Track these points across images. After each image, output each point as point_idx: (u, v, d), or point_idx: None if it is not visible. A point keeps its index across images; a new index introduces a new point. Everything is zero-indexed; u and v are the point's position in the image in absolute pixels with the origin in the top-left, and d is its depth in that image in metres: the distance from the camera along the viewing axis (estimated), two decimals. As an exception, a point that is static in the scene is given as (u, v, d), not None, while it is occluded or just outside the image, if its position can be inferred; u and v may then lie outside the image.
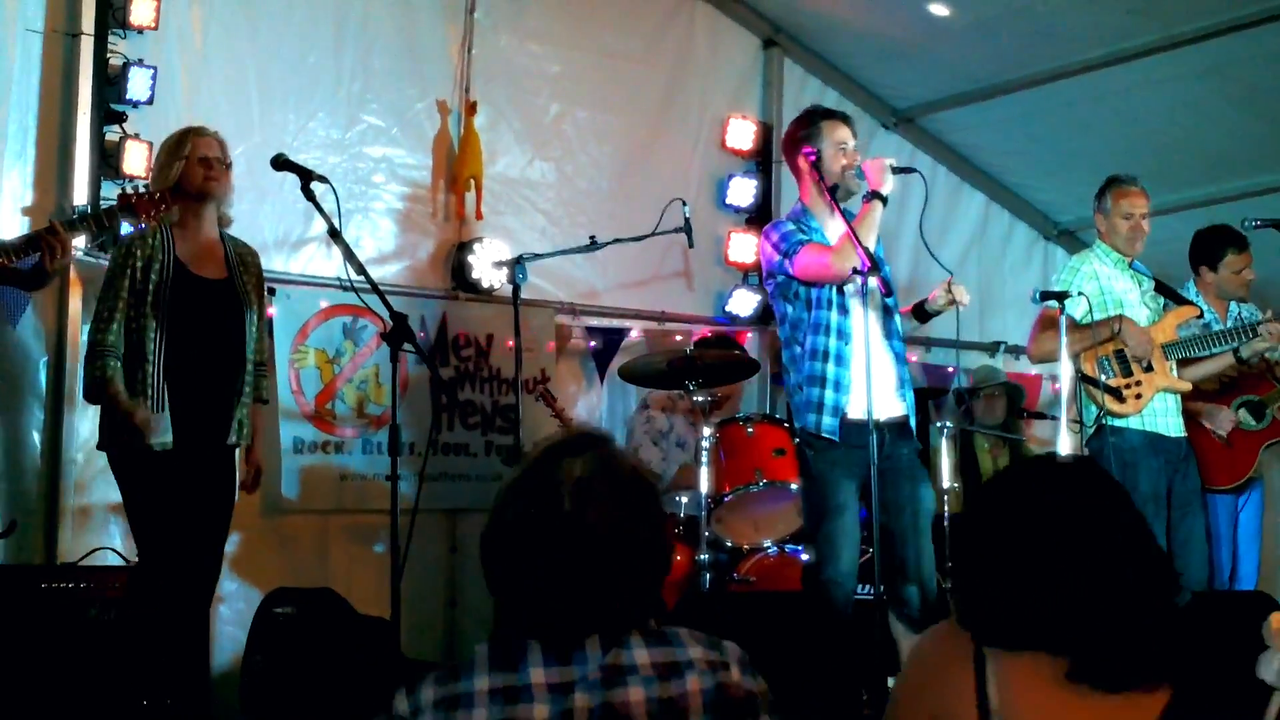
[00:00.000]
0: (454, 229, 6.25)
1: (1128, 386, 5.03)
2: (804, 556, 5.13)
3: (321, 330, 5.79)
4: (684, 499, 5.63)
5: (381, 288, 4.16)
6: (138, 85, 5.20)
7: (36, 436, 5.08)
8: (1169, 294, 5.39)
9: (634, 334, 6.69)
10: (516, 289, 5.37)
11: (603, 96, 6.77)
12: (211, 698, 4.74)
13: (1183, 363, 5.24)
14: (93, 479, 5.04)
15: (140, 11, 5.24)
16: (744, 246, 7.02)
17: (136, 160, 5.16)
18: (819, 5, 7.09)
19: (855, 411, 4.27)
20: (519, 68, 6.51)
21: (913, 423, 4.49)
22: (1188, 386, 5.18)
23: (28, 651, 4.25)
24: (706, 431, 5.41)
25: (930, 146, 7.78)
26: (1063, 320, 4.77)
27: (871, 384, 4.13)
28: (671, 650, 1.82)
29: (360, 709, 4.16)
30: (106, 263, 4.57)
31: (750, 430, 5.62)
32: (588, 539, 1.80)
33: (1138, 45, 6.47)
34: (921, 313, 4.60)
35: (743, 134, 7.18)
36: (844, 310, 4.35)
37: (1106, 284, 5.13)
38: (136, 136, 5.21)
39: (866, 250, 4.19)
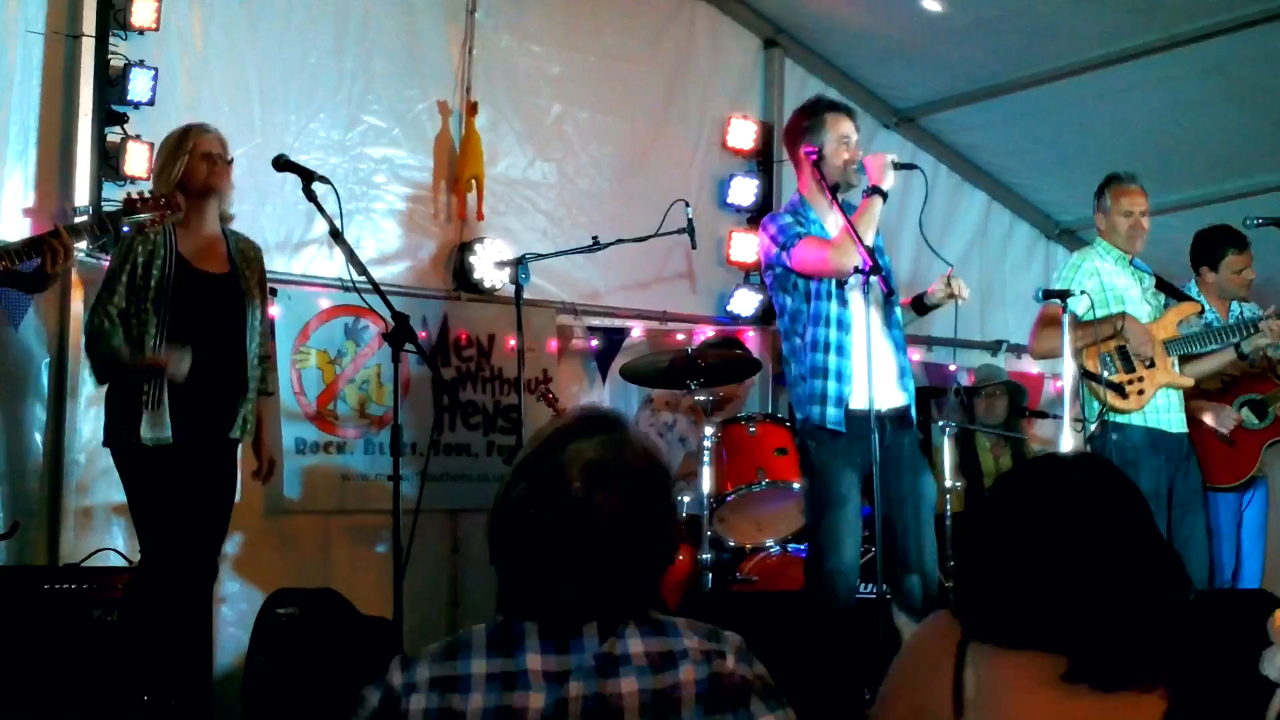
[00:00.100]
0: (455, 229, 6.25)
1: (1130, 383, 5.03)
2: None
3: (323, 331, 5.80)
4: (686, 498, 5.63)
5: (383, 288, 4.16)
6: (139, 86, 5.21)
7: (38, 437, 5.09)
8: (1170, 291, 5.39)
9: (636, 334, 6.69)
10: (518, 289, 5.38)
11: (604, 97, 6.78)
12: (214, 698, 4.73)
13: (1184, 359, 5.24)
14: (95, 480, 5.04)
15: (141, 13, 5.25)
16: (745, 246, 7.02)
17: (138, 161, 5.17)
18: (819, 5, 7.09)
19: (857, 402, 4.26)
20: (520, 68, 6.51)
21: (913, 413, 4.49)
22: (1190, 382, 5.18)
23: (30, 653, 4.25)
24: (708, 431, 5.41)
25: (931, 146, 7.79)
26: (1065, 318, 4.77)
27: (872, 374, 4.13)
28: (667, 640, 1.80)
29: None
30: (107, 263, 4.56)
31: (752, 430, 5.62)
32: (595, 522, 1.77)
33: (1138, 45, 6.48)
34: (921, 306, 4.59)
35: (744, 134, 7.19)
36: (844, 301, 4.34)
37: (1108, 281, 5.14)
38: (138, 138, 5.22)
39: (868, 248, 4.18)
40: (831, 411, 4.30)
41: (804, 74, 7.46)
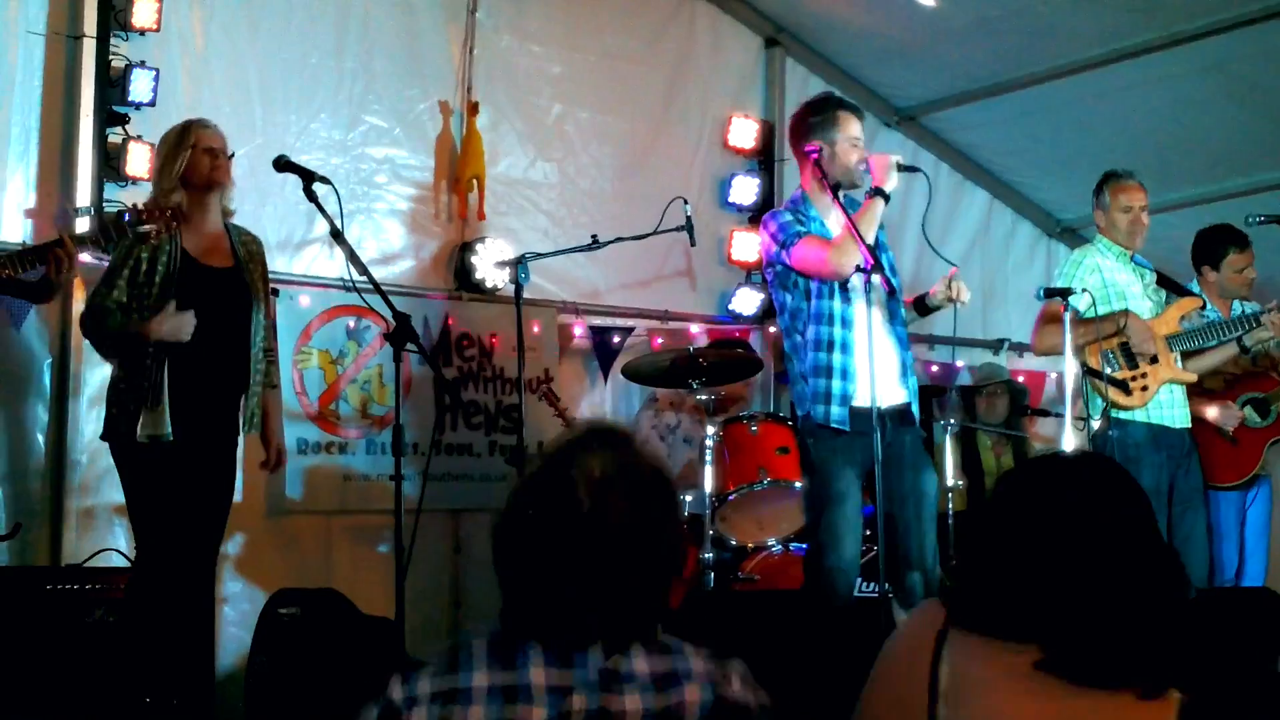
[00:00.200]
0: (457, 229, 6.25)
1: (1133, 379, 5.03)
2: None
3: (325, 331, 5.80)
4: (688, 497, 5.63)
5: (384, 288, 4.16)
6: (140, 87, 5.21)
7: (40, 438, 5.09)
8: (1171, 286, 5.39)
9: (637, 333, 6.69)
10: (519, 289, 5.38)
11: (604, 96, 6.78)
12: (216, 698, 4.74)
13: (1187, 355, 5.23)
14: (97, 480, 5.05)
15: (142, 14, 5.25)
16: (747, 245, 7.02)
17: (139, 162, 5.17)
18: (820, 4, 7.09)
19: (860, 399, 4.26)
20: (521, 68, 6.52)
21: (915, 409, 4.48)
22: (1193, 378, 5.18)
23: (33, 653, 4.26)
24: (710, 430, 5.41)
25: (932, 145, 7.79)
26: (1066, 316, 4.77)
27: (875, 371, 4.11)
28: (671, 660, 1.78)
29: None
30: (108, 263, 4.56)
31: (754, 429, 5.63)
32: (604, 533, 1.76)
33: (1139, 43, 6.48)
34: (923, 307, 4.58)
35: (745, 133, 7.19)
36: (846, 298, 4.32)
37: (1109, 278, 5.14)
38: (139, 138, 5.22)
39: (869, 247, 4.17)
40: (835, 410, 4.29)
41: (805, 73, 7.46)
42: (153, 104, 5.25)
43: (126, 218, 4.10)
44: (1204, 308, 5.43)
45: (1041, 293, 4.97)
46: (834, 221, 4.43)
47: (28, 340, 5.06)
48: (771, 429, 5.66)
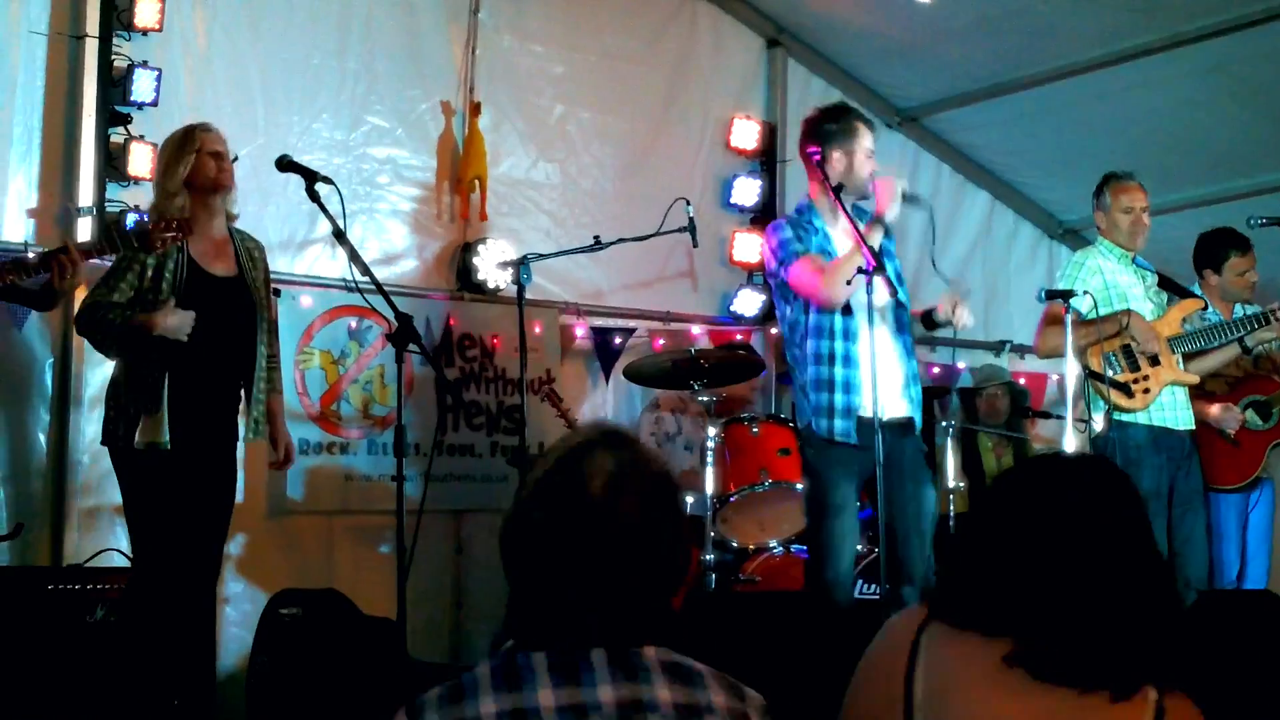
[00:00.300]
0: (459, 230, 6.26)
1: (1135, 381, 5.03)
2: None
3: (326, 331, 5.80)
4: (689, 499, 5.63)
5: (386, 288, 4.16)
6: (142, 87, 5.21)
7: (42, 438, 5.09)
8: (1173, 288, 5.39)
9: (639, 334, 6.69)
10: (521, 289, 5.38)
11: (606, 97, 6.78)
12: (218, 699, 4.74)
13: (1189, 356, 5.23)
14: (98, 481, 5.04)
15: (144, 14, 5.25)
16: (748, 246, 7.02)
17: (141, 162, 5.17)
18: (822, 5, 7.10)
19: (863, 411, 4.24)
20: (522, 69, 6.52)
21: (918, 420, 4.45)
22: (1195, 379, 5.17)
23: (34, 653, 4.26)
24: (711, 431, 5.41)
25: (934, 146, 7.79)
26: (1068, 318, 4.76)
27: (878, 384, 4.08)
28: (694, 692, 1.76)
29: (366, 710, 4.16)
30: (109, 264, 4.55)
31: (755, 430, 5.63)
32: (615, 528, 1.75)
33: (1140, 44, 6.49)
34: (930, 321, 4.55)
35: (747, 134, 7.19)
36: (848, 310, 4.28)
37: (1111, 279, 5.13)
38: (141, 138, 5.22)
39: (873, 250, 4.14)
40: (840, 424, 4.25)
41: (807, 74, 7.46)
42: (155, 104, 5.25)
43: (131, 227, 4.09)
44: (1205, 309, 5.43)
45: (1042, 295, 4.96)
46: (839, 230, 4.39)
47: (29, 341, 5.06)
48: (773, 430, 5.66)
